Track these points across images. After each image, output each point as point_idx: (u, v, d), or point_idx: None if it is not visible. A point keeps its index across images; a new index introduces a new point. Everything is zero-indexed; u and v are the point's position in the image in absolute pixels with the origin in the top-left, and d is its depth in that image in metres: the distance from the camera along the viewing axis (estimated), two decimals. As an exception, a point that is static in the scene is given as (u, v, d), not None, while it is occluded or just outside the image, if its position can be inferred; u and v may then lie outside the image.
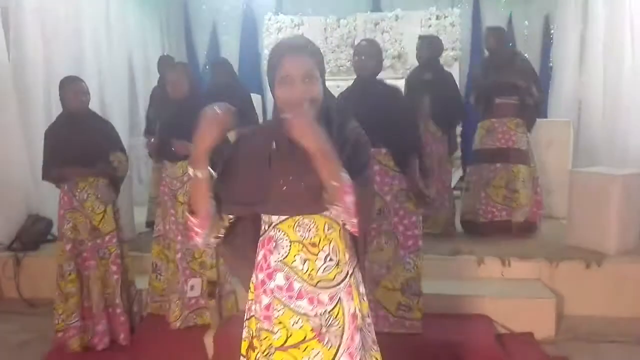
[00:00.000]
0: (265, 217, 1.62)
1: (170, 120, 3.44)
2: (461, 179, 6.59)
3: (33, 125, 4.71)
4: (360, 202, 1.42)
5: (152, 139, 3.67)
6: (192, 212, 1.56)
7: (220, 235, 1.65)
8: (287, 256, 1.57)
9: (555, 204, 5.18)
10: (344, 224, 1.53)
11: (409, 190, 3.16)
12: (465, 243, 4.33)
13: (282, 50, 1.53)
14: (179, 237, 3.46)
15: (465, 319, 3.58)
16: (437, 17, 6.73)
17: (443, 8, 6.84)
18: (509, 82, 4.53)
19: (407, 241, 3.21)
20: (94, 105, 5.36)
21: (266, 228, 1.62)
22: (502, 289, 3.82)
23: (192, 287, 3.51)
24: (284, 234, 1.58)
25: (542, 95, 4.73)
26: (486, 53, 4.99)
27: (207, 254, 3.51)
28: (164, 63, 5.23)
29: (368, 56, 3.13)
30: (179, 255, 3.48)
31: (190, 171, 1.50)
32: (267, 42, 7.11)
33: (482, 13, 7.19)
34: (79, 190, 3.36)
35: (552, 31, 6.95)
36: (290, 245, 1.57)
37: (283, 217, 1.58)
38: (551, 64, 6.82)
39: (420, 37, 4.93)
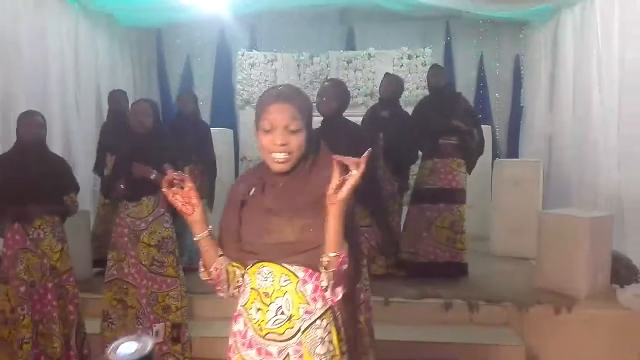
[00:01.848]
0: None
1: (131, 156, 3.31)
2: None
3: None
4: (350, 272, 1.46)
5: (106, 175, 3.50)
6: (204, 268, 1.62)
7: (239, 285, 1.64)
8: (247, 302, 1.57)
9: (525, 244, 5.10)
10: (323, 289, 1.50)
11: (382, 242, 3.09)
12: (431, 285, 4.20)
13: (267, 98, 1.53)
14: (144, 281, 3.30)
15: (431, 366, 3.45)
16: (409, 57, 6.76)
17: (415, 48, 6.86)
18: (452, 123, 4.49)
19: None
20: (57, 141, 5.32)
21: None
22: (470, 335, 3.71)
23: (156, 333, 3.34)
24: (249, 280, 1.59)
25: (483, 137, 4.71)
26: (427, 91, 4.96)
27: (171, 297, 3.36)
28: (116, 97, 5.13)
29: (330, 97, 3.03)
30: (144, 301, 3.31)
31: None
32: (240, 78, 7.06)
33: (454, 53, 7.25)
34: (33, 228, 3.21)
35: (522, 71, 7.02)
36: (250, 292, 1.57)
37: (252, 263, 1.58)
38: (522, 104, 6.87)
39: (386, 75, 4.91)
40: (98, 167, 5.06)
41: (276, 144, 1.48)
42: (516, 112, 6.88)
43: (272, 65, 7.04)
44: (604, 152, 5.00)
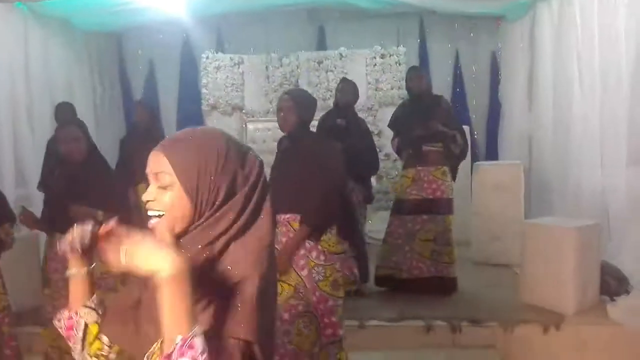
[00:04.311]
0: None
1: (65, 187, 2.97)
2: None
3: None
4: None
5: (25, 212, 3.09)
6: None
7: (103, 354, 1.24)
8: None
9: (507, 251, 4.86)
10: None
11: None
12: (410, 305, 3.93)
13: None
14: None
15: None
16: (382, 56, 6.49)
17: (388, 46, 6.59)
18: (435, 128, 4.23)
19: (326, 329, 2.74)
20: (8, 158, 4.94)
21: None
22: (453, 359, 3.44)
23: None
24: None
25: (466, 141, 4.47)
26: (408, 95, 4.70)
27: None
28: (62, 111, 4.74)
29: (287, 111, 2.75)
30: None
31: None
32: (206, 82, 6.73)
33: (429, 51, 6.98)
34: None
35: (499, 68, 6.77)
36: None
37: None
38: (500, 100, 6.63)
39: (344, 80, 4.63)
40: (43, 185, 4.56)
41: (145, 200, 1.15)
42: (494, 111, 6.64)
43: (238, 68, 6.72)
44: (586, 154, 4.77)
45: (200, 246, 1.10)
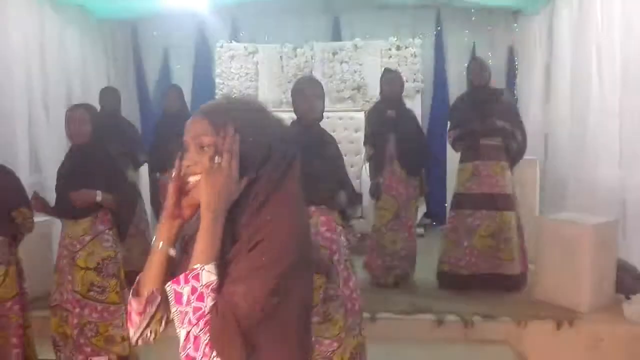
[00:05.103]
0: None
1: (70, 171, 2.98)
2: (425, 215, 6.26)
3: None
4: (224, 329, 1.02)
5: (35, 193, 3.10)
6: (136, 293, 1.21)
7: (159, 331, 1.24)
8: None
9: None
10: None
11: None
12: (423, 298, 3.92)
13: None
14: (77, 309, 2.96)
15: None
16: (398, 48, 6.43)
17: (404, 38, 6.53)
18: (495, 122, 4.17)
19: (354, 305, 2.81)
20: (23, 145, 4.96)
21: None
22: (465, 353, 3.42)
23: None
24: None
25: (525, 137, 4.38)
26: (467, 87, 4.64)
27: (115, 326, 3.00)
28: (104, 97, 4.88)
29: (316, 98, 2.75)
30: (76, 331, 2.96)
31: (153, 240, 1.21)
32: (219, 71, 6.71)
33: (445, 43, 6.91)
34: None
35: (516, 62, 6.69)
36: None
37: None
38: (516, 97, 6.55)
39: (387, 71, 4.57)
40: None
41: (185, 167, 1.16)
42: (510, 105, 6.54)
43: (253, 57, 6.70)
44: (604, 150, 4.70)
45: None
